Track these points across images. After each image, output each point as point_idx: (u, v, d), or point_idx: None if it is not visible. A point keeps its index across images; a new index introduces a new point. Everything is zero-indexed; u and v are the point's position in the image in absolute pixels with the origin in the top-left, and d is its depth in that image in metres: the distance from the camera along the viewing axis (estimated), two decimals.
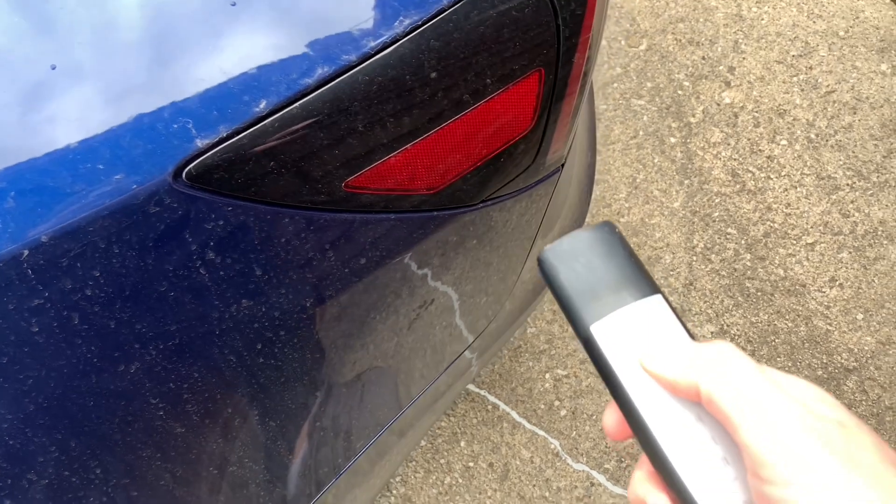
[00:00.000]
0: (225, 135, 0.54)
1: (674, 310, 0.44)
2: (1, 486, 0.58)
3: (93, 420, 0.59)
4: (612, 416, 0.44)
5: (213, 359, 0.63)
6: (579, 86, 0.71)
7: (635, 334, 0.43)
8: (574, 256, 0.45)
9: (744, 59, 2.03)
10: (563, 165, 0.84)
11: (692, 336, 0.44)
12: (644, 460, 0.43)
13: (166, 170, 0.52)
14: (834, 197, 1.86)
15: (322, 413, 0.81)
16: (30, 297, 0.51)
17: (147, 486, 0.67)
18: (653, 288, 0.44)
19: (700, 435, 0.41)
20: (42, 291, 0.51)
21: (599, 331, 0.43)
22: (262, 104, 0.54)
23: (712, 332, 1.74)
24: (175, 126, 0.53)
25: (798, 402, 0.38)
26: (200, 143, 0.53)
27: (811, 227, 1.82)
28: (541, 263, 0.46)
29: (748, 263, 1.80)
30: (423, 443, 1.65)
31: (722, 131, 1.94)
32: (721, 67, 2.02)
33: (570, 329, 1.78)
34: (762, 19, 2.08)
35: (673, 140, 1.95)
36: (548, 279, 0.45)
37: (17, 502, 0.59)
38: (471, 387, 1.70)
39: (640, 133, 1.97)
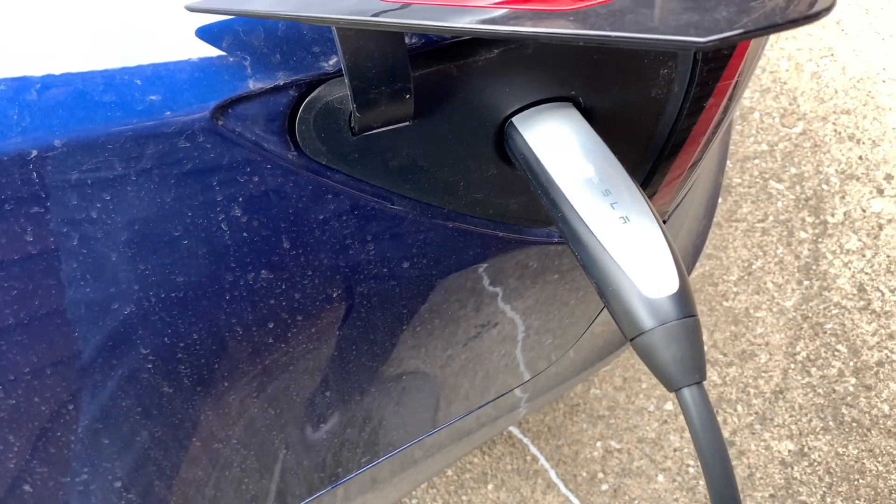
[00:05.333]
0: (282, 83, 0.47)
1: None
2: None
3: (73, 352, 0.54)
4: None
5: (218, 325, 0.57)
6: (705, 139, 0.62)
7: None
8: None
9: None
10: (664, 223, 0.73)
11: None
12: None
13: (208, 104, 0.46)
14: None
15: (355, 407, 0.75)
16: (30, 202, 0.46)
17: (120, 439, 0.62)
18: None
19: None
20: (44, 200, 0.46)
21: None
22: (333, 60, 0.48)
23: (790, 451, 1.57)
24: (231, 59, 0.47)
25: None
26: (253, 84, 0.47)
27: None
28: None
29: (851, 388, 1.62)
30: (449, 472, 1.56)
31: (860, 240, 1.76)
32: (878, 173, 1.83)
33: (636, 402, 1.65)
34: None
35: (804, 235, 1.78)
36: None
37: None
38: (514, 430, 1.60)
39: (770, 218, 1.81)
